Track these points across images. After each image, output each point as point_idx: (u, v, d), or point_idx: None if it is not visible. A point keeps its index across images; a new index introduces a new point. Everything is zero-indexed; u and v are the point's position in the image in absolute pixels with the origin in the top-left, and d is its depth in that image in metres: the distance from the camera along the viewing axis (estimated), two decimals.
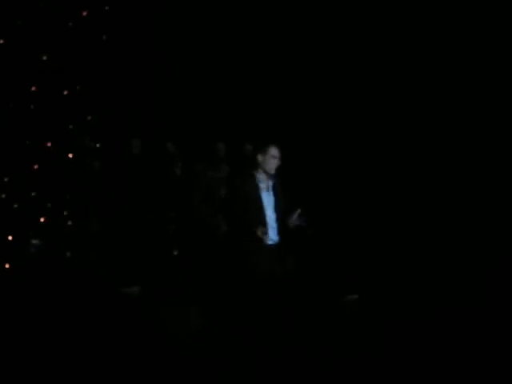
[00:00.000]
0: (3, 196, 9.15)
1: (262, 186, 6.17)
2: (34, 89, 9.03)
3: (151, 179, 8.42)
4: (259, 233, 5.88)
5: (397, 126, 8.79)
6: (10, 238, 9.00)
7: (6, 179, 9.11)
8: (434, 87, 8.73)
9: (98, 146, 9.19)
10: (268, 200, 6.16)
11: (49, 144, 9.20)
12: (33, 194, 9.15)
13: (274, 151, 6.17)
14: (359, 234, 8.46)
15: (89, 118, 9.31)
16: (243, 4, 9.37)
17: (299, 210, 6.00)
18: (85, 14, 9.00)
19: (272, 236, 6.08)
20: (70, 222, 8.74)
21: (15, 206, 9.18)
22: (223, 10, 9.47)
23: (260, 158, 6.17)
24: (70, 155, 9.05)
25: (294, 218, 6.02)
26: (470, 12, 8.39)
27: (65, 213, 8.94)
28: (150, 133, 9.06)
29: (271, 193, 6.21)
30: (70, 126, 9.28)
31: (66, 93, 9.11)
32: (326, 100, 9.17)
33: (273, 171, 6.17)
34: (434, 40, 8.68)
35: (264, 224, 6.01)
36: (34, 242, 8.82)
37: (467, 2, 8.39)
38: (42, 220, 9.01)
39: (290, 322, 6.09)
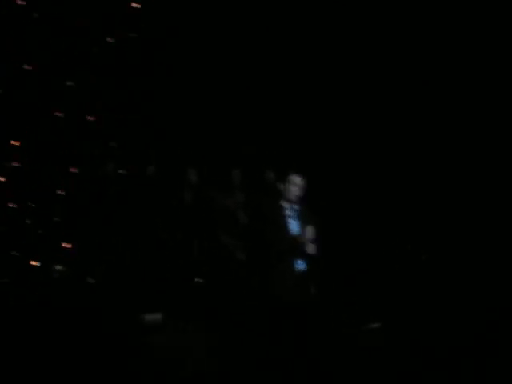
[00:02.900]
0: (28, 221, 9.21)
1: (288, 213, 6.16)
2: (58, 114, 9.12)
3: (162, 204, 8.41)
4: None
5: (402, 132, 8.73)
6: (33, 263, 9.04)
7: (31, 204, 9.17)
8: (434, 87, 8.63)
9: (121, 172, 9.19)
10: (293, 226, 6.14)
11: (73, 169, 9.26)
12: (56, 219, 9.19)
13: (295, 180, 6.16)
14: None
15: (112, 144, 9.35)
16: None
17: None
18: (110, 40, 9.10)
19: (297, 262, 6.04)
20: (91, 248, 8.73)
21: (39, 231, 9.23)
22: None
23: (281, 186, 6.19)
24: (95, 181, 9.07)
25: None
26: (470, 12, 8.32)
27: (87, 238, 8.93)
28: (166, 158, 9.05)
29: (296, 220, 6.18)
30: (95, 152, 9.33)
31: (90, 118, 9.19)
32: (331, 104, 9.12)
33: (294, 199, 6.14)
34: (433, 40, 8.60)
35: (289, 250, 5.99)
36: (58, 267, 8.82)
37: (467, 2, 8.33)
38: (64, 246, 9.02)
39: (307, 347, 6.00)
